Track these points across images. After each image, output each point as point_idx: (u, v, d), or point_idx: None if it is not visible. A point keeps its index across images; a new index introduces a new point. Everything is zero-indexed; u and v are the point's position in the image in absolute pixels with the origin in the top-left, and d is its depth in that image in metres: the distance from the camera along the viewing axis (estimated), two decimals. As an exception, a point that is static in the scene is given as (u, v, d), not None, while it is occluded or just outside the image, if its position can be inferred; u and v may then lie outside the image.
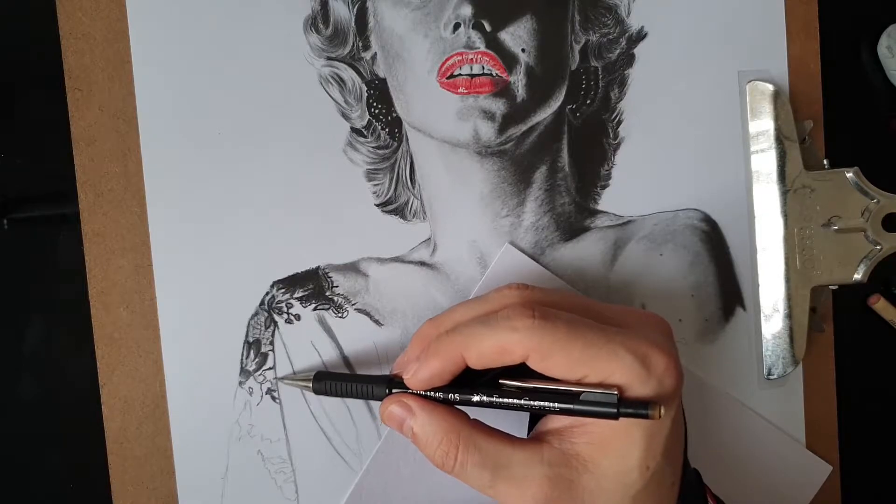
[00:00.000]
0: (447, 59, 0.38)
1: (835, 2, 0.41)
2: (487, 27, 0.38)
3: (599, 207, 0.40)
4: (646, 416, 0.28)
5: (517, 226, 0.40)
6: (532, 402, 0.30)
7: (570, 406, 0.29)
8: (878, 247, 0.40)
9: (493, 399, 0.31)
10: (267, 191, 0.38)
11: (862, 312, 0.43)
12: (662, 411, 0.28)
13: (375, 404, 0.38)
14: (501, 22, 0.39)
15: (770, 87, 0.40)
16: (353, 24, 0.38)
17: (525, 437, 0.33)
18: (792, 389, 0.41)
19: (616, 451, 0.29)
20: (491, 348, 0.30)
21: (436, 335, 0.32)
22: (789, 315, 0.40)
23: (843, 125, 0.42)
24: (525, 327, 0.29)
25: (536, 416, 0.33)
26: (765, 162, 0.40)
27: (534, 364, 0.29)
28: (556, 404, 0.29)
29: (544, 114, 0.39)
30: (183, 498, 0.38)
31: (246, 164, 0.38)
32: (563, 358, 0.29)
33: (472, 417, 0.32)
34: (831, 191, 0.40)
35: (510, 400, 0.30)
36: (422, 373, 0.31)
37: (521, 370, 0.31)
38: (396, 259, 0.39)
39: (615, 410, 0.28)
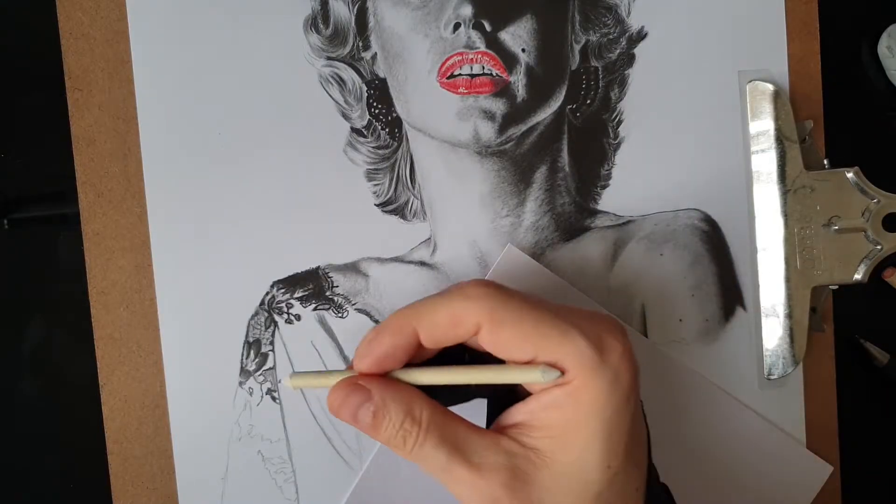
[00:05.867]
0: (447, 59, 0.38)
1: (835, 2, 0.41)
2: (487, 27, 0.38)
3: (599, 207, 0.40)
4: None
5: (517, 226, 0.40)
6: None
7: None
8: (879, 247, 0.40)
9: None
10: (267, 191, 0.38)
11: (862, 312, 0.43)
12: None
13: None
14: (501, 22, 0.39)
15: (770, 87, 0.40)
16: (353, 24, 0.38)
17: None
18: (792, 389, 0.41)
19: (575, 446, 0.28)
20: (444, 318, 0.28)
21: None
22: (789, 315, 0.40)
23: (843, 125, 0.42)
24: (478, 295, 0.28)
25: (494, 410, 0.33)
26: (765, 162, 0.40)
27: (484, 338, 0.28)
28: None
29: (544, 114, 0.39)
30: (183, 498, 0.38)
31: (246, 164, 0.38)
32: (514, 331, 0.28)
33: None
34: (831, 191, 0.40)
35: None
36: (373, 351, 0.29)
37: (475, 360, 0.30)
38: (396, 259, 0.39)
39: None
